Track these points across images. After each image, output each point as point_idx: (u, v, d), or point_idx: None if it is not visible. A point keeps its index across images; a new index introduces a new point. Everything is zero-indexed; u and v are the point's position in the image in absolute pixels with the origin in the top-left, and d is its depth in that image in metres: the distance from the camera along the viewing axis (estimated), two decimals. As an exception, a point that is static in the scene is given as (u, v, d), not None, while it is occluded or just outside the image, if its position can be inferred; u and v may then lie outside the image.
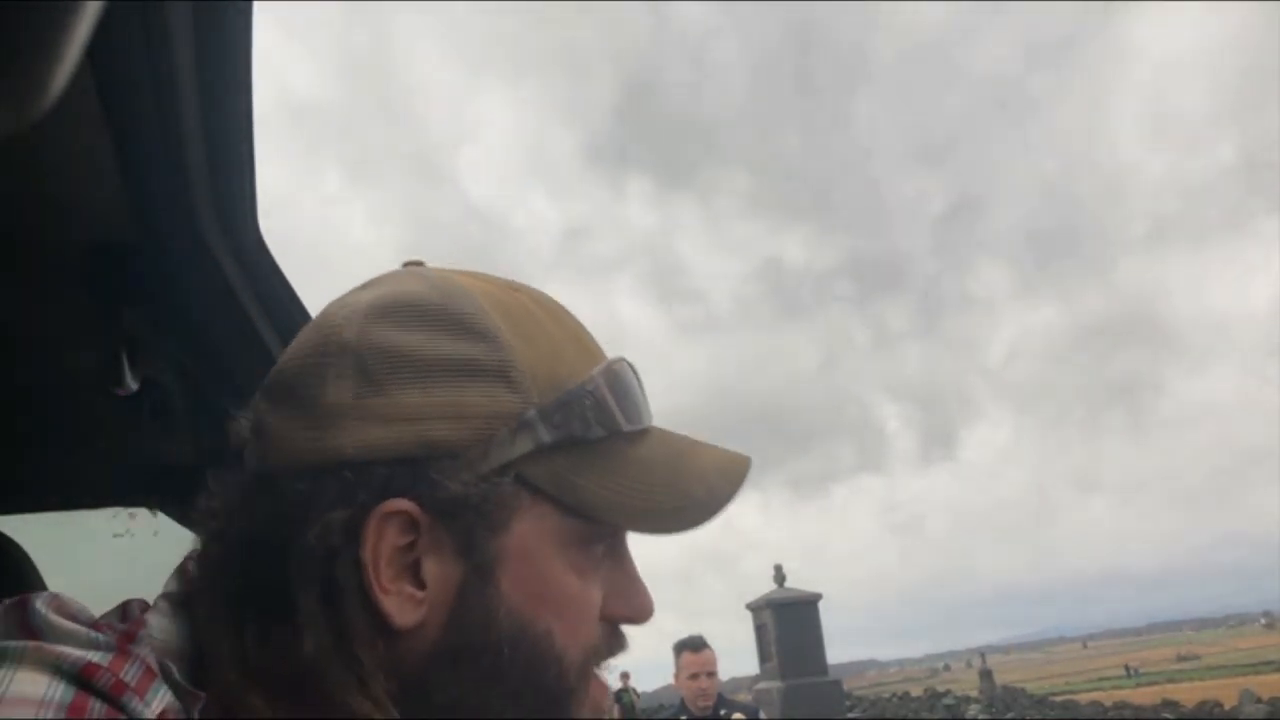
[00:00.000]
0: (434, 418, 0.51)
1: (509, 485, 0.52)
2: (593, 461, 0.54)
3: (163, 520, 1.56)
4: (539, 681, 0.52)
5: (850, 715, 21.27)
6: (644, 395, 0.59)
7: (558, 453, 0.53)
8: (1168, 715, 20.40)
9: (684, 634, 4.42)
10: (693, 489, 0.57)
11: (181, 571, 0.55)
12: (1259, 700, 19.97)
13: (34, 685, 0.42)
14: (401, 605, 0.50)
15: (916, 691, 27.30)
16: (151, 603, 0.53)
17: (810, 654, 16.30)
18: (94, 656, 0.45)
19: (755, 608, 17.16)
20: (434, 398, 0.51)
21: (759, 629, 17.07)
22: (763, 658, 16.97)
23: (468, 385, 0.52)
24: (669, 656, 4.46)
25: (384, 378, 0.52)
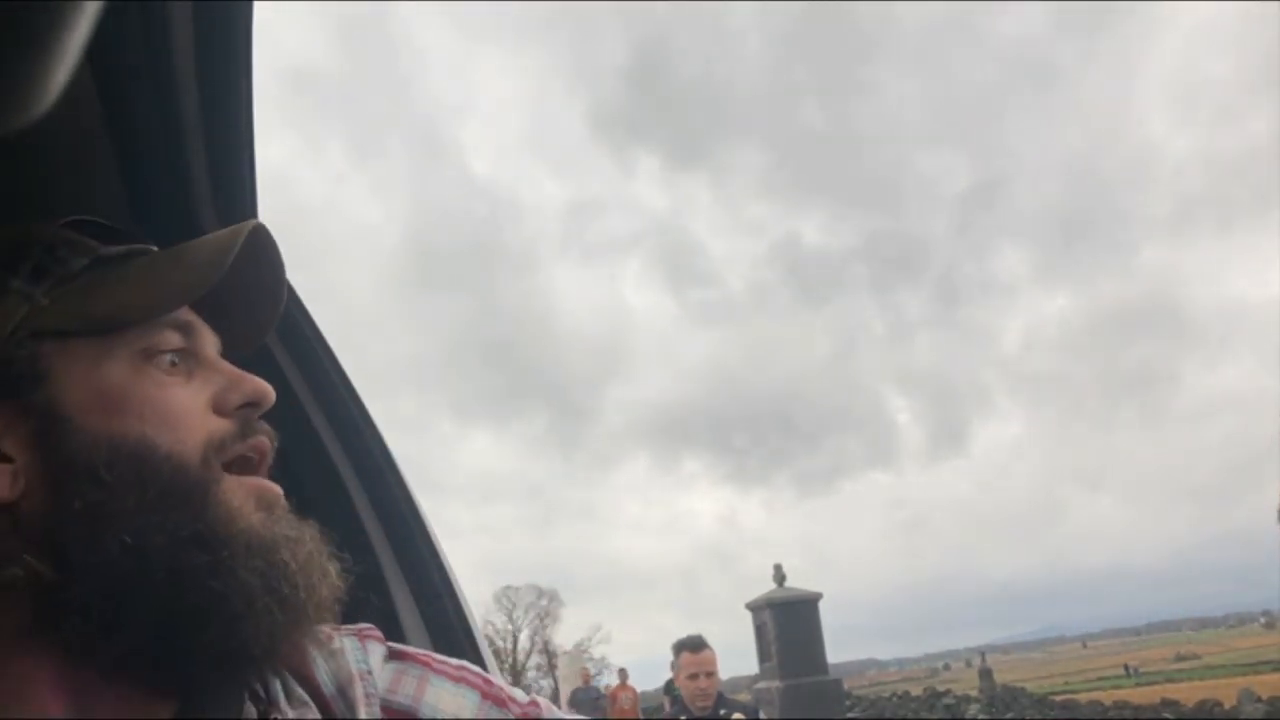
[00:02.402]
0: None
1: (26, 344, 0.56)
2: (94, 284, 0.59)
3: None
4: (158, 481, 0.54)
5: (850, 715, 21.27)
6: (136, 237, 0.65)
7: (58, 297, 0.58)
8: (1167, 715, 20.39)
9: (684, 633, 4.42)
10: (199, 258, 0.61)
11: None
12: (1258, 700, 19.96)
13: None
14: None
15: (916, 691, 27.30)
16: None
17: (810, 653, 16.31)
18: None
19: (755, 607, 17.16)
20: None
21: (759, 628, 17.07)
22: (762, 657, 16.98)
23: None
24: (669, 656, 4.46)
25: None
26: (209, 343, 0.63)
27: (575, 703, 14.74)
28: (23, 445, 0.55)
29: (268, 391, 0.63)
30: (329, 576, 0.59)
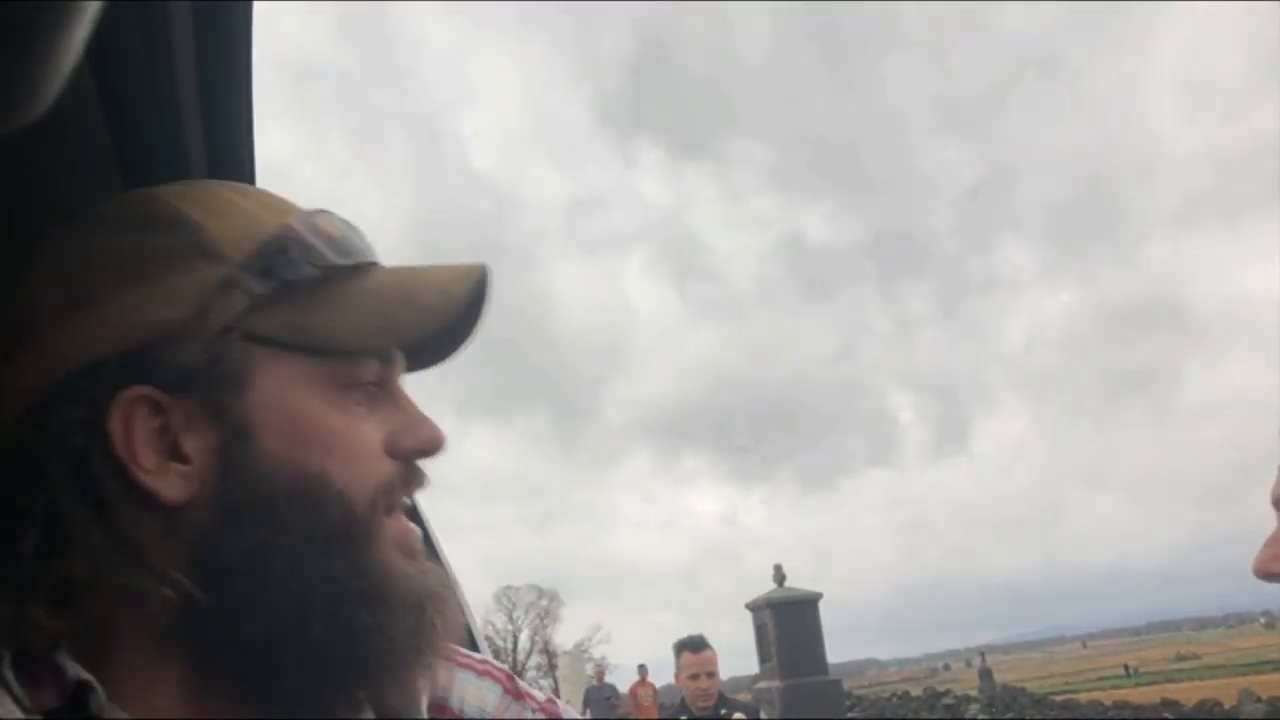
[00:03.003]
0: (146, 305, 0.53)
1: (237, 344, 0.53)
2: (316, 300, 0.56)
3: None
4: (325, 521, 0.53)
5: (850, 715, 21.26)
6: (361, 237, 0.60)
7: (278, 302, 0.55)
8: (1167, 715, 20.39)
9: (685, 633, 4.42)
10: (430, 299, 0.58)
11: None
12: (1258, 700, 19.96)
13: None
14: (170, 482, 0.51)
15: (916, 691, 27.29)
16: None
17: (810, 653, 16.30)
18: None
19: (755, 607, 17.16)
20: (141, 289, 0.53)
21: (759, 629, 17.07)
22: (762, 657, 16.98)
23: (170, 269, 0.54)
24: (670, 656, 4.46)
25: (87, 284, 0.53)
26: (399, 373, 0.60)
27: (590, 700, 14.70)
28: (204, 450, 0.52)
29: (443, 440, 0.60)
30: (461, 631, 0.59)
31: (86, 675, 0.49)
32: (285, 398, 0.54)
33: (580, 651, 32.15)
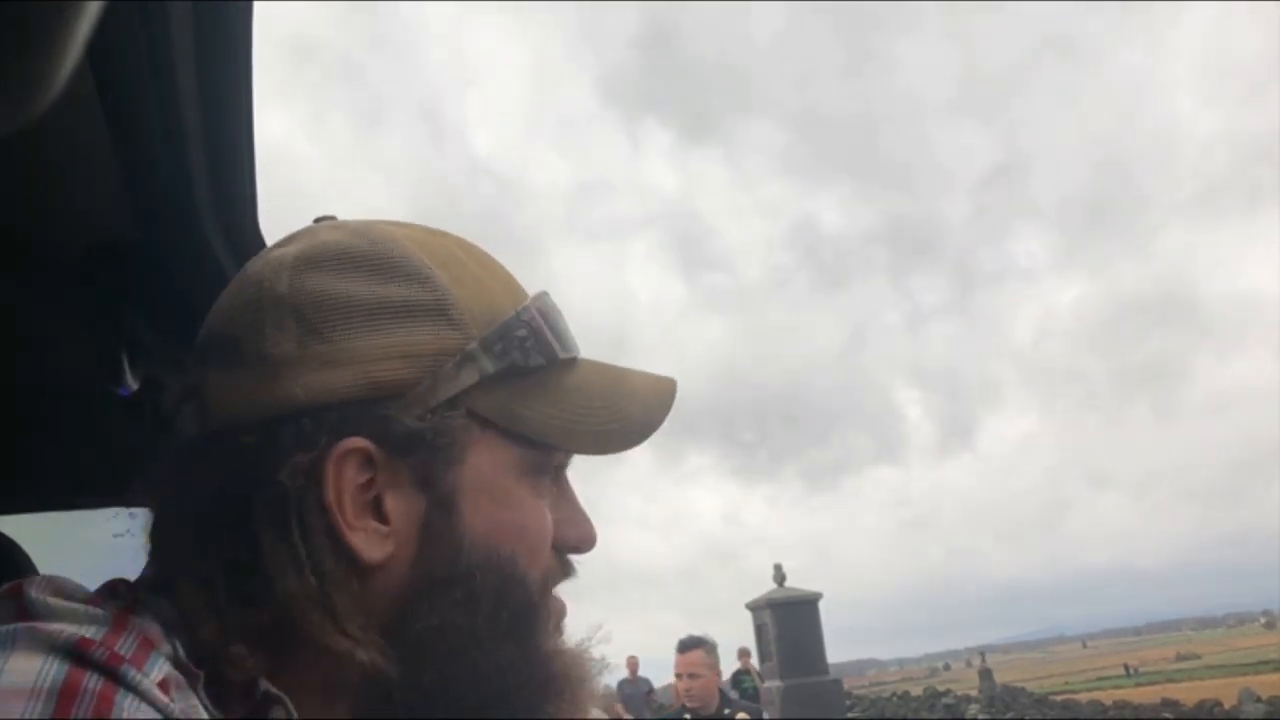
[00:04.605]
0: (380, 358, 0.53)
1: (460, 419, 0.54)
2: (535, 390, 0.57)
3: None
4: (511, 606, 0.54)
5: (850, 715, 21.27)
6: (568, 325, 0.62)
7: (501, 384, 0.55)
8: (1167, 715, 20.38)
9: (685, 632, 4.45)
10: (630, 410, 0.60)
11: (152, 553, 0.55)
12: (1259, 700, 19.96)
13: (26, 670, 0.41)
14: (369, 541, 0.51)
15: (916, 691, 27.28)
16: (130, 583, 0.53)
17: (810, 653, 16.30)
18: (88, 631, 0.45)
19: (755, 607, 17.15)
20: (377, 340, 0.53)
21: (759, 628, 17.07)
22: (762, 657, 16.97)
23: (409, 325, 0.54)
24: (670, 655, 4.48)
25: (324, 325, 0.53)
26: (567, 470, 0.62)
27: (623, 697, 13.56)
28: (405, 514, 0.53)
29: (596, 540, 0.62)
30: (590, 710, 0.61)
31: (276, 691, 0.50)
32: (490, 478, 0.55)
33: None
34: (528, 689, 0.54)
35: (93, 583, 0.52)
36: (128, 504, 1.58)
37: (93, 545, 1.66)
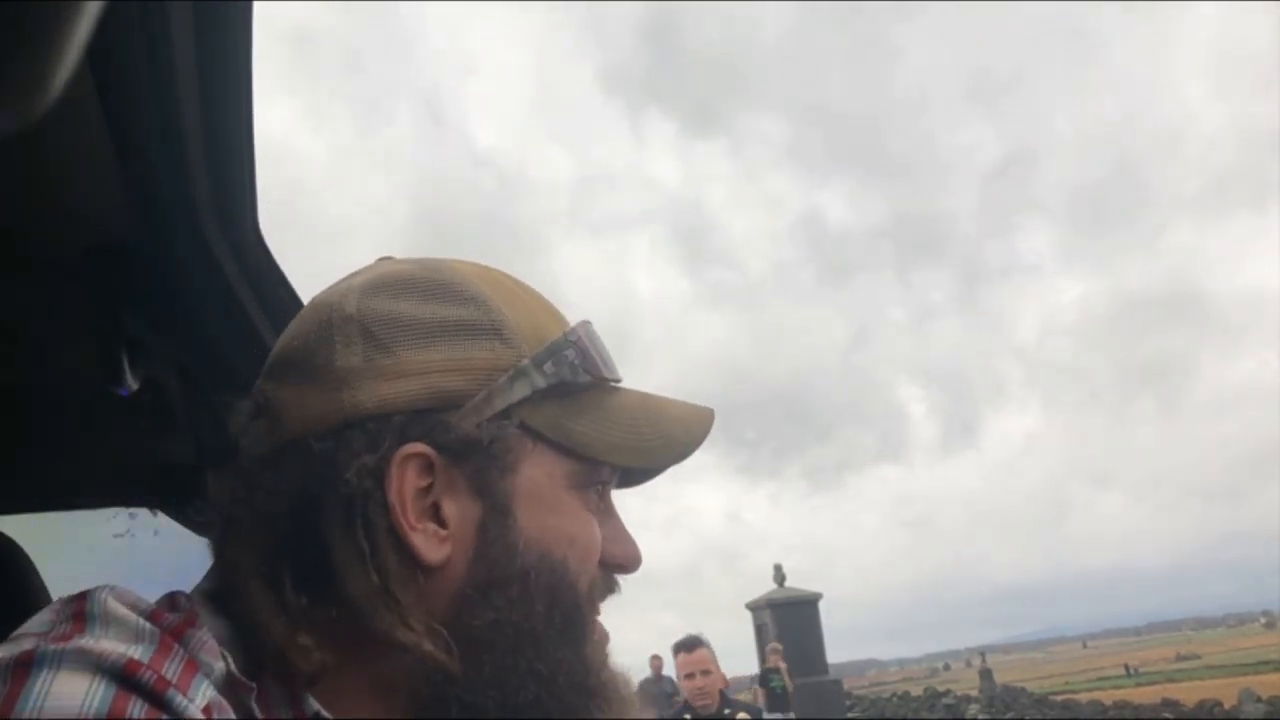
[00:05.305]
0: (440, 371, 0.57)
1: (514, 430, 0.57)
2: (583, 407, 0.61)
3: (163, 520, 1.56)
4: (561, 605, 0.57)
5: (850, 715, 21.27)
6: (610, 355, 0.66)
7: (551, 399, 0.59)
8: (1168, 715, 20.39)
9: (684, 633, 4.45)
10: (673, 430, 0.64)
11: (215, 565, 0.58)
12: (1259, 700, 19.96)
13: (73, 693, 0.42)
14: (429, 542, 0.55)
15: (916, 691, 27.30)
16: (189, 595, 0.55)
17: (810, 653, 16.32)
18: (135, 652, 0.45)
19: (755, 607, 17.17)
20: (438, 355, 0.57)
21: (759, 629, 17.09)
22: (763, 657, 16.98)
23: (467, 342, 0.58)
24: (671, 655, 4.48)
25: (390, 341, 0.57)
26: (614, 484, 0.66)
27: (647, 698, 13.01)
28: (462, 518, 0.56)
29: (641, 561, 0.65)
30: None
31: (326, 714, 0.52)
32: (542, 488, 0.58)
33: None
34: (579, 693, 0.56)
35: (93, 583, 0.52)
36: (127, 504, 1.58)
37: (93, 545, 1.67)
